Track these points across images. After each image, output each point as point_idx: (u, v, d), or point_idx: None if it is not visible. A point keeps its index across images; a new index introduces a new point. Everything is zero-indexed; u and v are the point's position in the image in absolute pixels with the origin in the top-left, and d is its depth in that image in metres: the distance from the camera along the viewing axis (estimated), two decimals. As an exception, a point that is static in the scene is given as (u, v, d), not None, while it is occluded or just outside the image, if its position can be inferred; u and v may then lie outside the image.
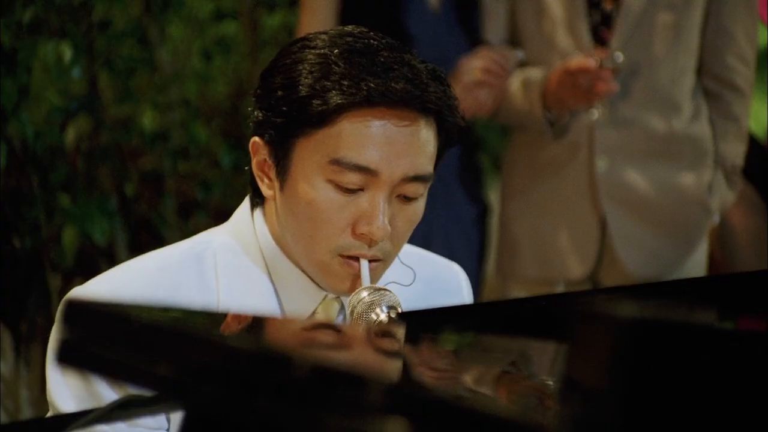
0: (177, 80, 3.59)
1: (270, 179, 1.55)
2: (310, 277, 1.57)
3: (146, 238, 3.54)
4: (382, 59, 1.49)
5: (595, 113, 2.82)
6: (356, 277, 1.51)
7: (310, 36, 1.54)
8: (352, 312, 1.48)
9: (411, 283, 1.61)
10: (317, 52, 1.50)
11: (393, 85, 1.47)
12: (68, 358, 0.89)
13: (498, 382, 1.06)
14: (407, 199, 1.53)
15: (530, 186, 2.93)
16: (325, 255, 1.51)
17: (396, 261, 1.58)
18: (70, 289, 3.30)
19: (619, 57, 2.76)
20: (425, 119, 1.51)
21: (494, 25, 2.95)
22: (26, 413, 3.18)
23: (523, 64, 2.93)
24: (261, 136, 1.55)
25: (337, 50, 1.50)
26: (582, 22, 2.83)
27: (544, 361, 1.09)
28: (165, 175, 3.57)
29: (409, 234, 1.56)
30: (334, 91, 1.47)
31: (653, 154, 2.84)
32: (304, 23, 2.92)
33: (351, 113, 1.48)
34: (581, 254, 2.86)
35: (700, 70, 2.89)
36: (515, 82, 2.90)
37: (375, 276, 1.52)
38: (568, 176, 2.87)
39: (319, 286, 1.57)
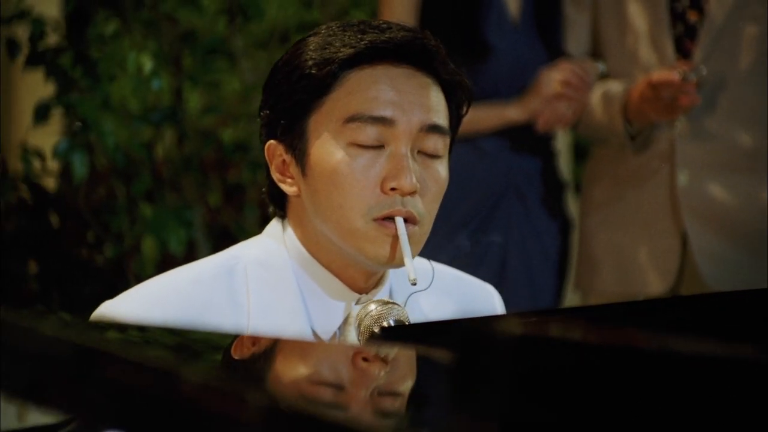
0: (258, 91, 3.61)
1: (292, 176, 1.57)
2: (341, 280, 1.56)
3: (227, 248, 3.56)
4: (376, 23, 1.56)
5: (678, 126, 2.78)
6: (395, 240, 1.50)
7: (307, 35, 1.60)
8: (359, 326, 1.49)
9: (428, 286, 1.57)
10: (315, 37, 1.56)
11: (391, 36, 1.53)
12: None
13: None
14: (429, 156, 1.54)
15: (610, 200, 2.89)
16: (359, 221, 1.51)
17: (418, 258, 1.57)
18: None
19: (703, 70, 2.71)
20: (431, 79, 1.55)
21: (576, 37, 2.92)
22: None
23: (604, 77, 2.90)
24: (273, 135, 1.57)
25: (333, 29, 1.56)
26: (665, 35, 2.79)
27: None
28: (246, 186, 3.60)
29: (437, 200, 1.56)
30: (337, 53, 1.52)
31: (736, 168, 2.78)
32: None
33: (357, 72, 1.53)
34: (662, 269, 2.81)
35: (788, 84, 2.83)
36: (596, 95, 2.86)
37: (413, 243, 1.51)
38: (649, 190, 2.82)
39: (350, 288, 1.56)
